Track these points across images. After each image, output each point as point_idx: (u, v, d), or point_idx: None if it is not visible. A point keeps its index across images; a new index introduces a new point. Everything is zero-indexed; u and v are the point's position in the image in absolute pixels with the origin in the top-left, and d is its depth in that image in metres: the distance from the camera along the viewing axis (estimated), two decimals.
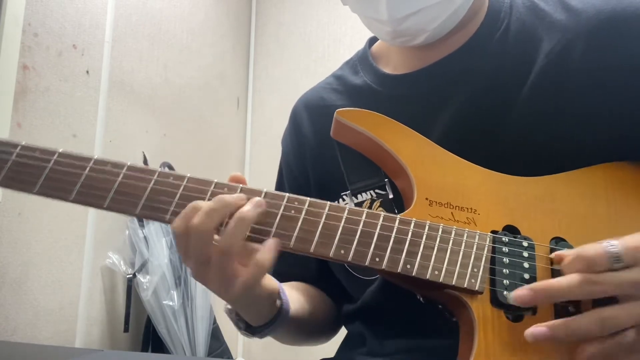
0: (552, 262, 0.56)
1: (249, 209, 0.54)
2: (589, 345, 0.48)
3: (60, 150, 0.58)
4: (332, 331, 0.85)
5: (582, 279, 0.48)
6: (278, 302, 0.64)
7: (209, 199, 0.56)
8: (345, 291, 0.78)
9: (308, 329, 0.79)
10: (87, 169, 0.57)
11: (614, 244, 0.48)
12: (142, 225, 1.92)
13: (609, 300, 0.48)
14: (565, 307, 0.52)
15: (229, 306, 0.65)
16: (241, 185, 0.58)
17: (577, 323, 0.48)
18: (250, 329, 0.65)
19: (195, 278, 0.56)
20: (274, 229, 0.55)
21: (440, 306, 0.60)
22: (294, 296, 0.72)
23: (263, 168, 2.83)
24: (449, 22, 0.69)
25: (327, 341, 0.86)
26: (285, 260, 0.77)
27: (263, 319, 0.64)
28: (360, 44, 0.85)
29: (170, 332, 1.88)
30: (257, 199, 0.55)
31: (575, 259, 0.49)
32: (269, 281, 0.62)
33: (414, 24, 0.68)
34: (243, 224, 0.53)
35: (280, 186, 0.86)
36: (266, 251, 0.54)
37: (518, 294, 0.50)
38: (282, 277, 0.78)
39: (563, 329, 0.48)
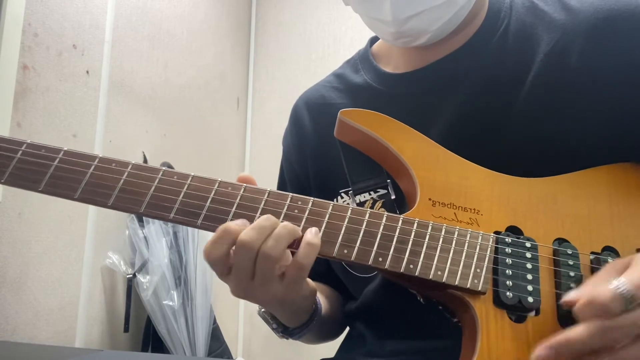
0: (555, 263, 0.56)
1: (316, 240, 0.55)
2: (598, 356, 0.47)
3: (66, 149, 0.58)
4: (342, 329, 0.86)
5: (599, 328, 0.46)
6: (317, 303, 0.65)
7: (213, 198, 0.56)
8: (347, 288, 0.79)
9: (329, 329, 0.80)
10: (92, 167, 0.57)
11: (623, 284, 0.45)
12: (142, 225, 1.92)
13: None
14: (568, 310, 0.52)
15: (263, 309, 0.66)
16: (245, 185, 0.58)
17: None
18: (287, 331, 0.66)
19: (238, 294, 0.57)
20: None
21: (440, 307, 0.60)
22: (320, 297, 0.72)
23: (263, 168, 2.83)
24: (451, 23, 0.69)
25: (337, 337, 0.87)
26: None
27: (300, 320, 0.65)
28: (360, 44, 0.85)
29: (170, 332, 1.88)
30: (314, 229, 0.56)
31: (588, 306, 0.46)
32: (309, 283, 0.62)
33: (417, 24, 0.68)
34: (289, 234, 0.54)
35: (282, 185, 0.86)
36: (306, 249, 0.55)
37: (539, 355, 0.47)
38: None
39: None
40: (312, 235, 0.54)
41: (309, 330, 0.66)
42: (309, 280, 0.62)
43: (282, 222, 0.55)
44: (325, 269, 0.80)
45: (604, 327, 0.45)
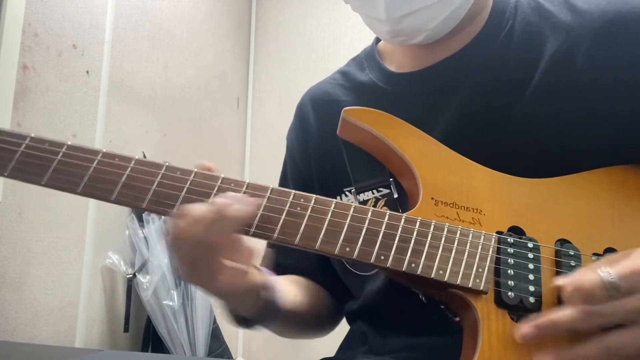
0: (557, 263, 0.56)
1: (238, 207, 0.53)
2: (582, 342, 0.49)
3: (69, 143, 0.58)
4: (330, 325, 0.86)
5: (584, 312, 0.48)
6: (269, 296, 0.64)
7: (215, 194, 0.56)
8: (345, 286, 0.79)
9: (305, 323, 0.79)
10: (95, 161, 0.57)
11: (610, 273, 0.47)
12: (142, 225, 1.92)
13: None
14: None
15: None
16: (247, 182, 0.58)
17: (585, 351, 0.48)
18: (242, 322, 0.66)
19: (180, 275, 0.57)
20: (279, 226, 0.55)
21: (442, 306, 0.60)
22: (292, 290, 0.72)
23: (263, 168, 2.83)
24: (448, 22, 0.69)
25: (325, 334, 0.87)
26: (287, 253, 0.77)
27: (253, 311, 0.64)
28: (360, 44, 0.85)
29: (170, 332, 1.87)
30: (248, 199, 0.55)
31: (574, 292, 0.48)
32: (257, 275, 0.61)
33: (411, 23, 0.68)
34: (232, 222, 0.53)
35: (283, 181, 0.86)
36: (247, 251, 0.55)
37: (523, 332, 0.50)
38: (283, 269, 0.79)
39: (570, 356, 0.48)
40: (238, 205, 0.54)
41: (261, 323, 0.65)
42: (258, 274, 0.62)
43: (233, 205, 0.54)
44: (318, 268, 0.80)
45: (587, 312, 0.47)
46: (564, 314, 0.49)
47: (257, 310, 0.64)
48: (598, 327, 0.48)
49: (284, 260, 0.81)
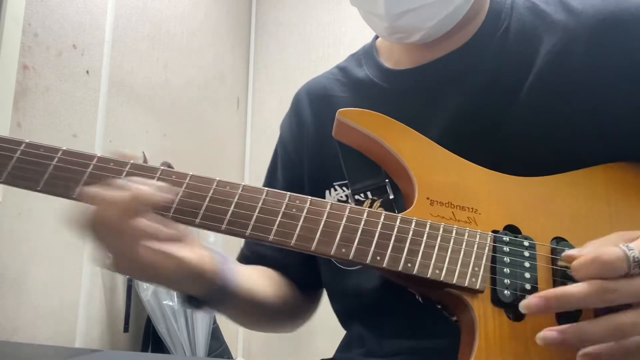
0: (553, 261, 0.56)
1: (151, 191, 0.54)
2: (593, 346, 0.47)
3: (64, 148, 0.58)
4: (297, 320, 0.86)
5: (598, 287, 0.45)
6: (218, 280, 0.63)
7: (211, 197, 0.57)
8: (318, 282, 0.79)
9: (264, 313, 0.78)
10: (91, 166, 0.57)
11: (632, 249, 0.45)
12: None
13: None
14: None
15: None
16: (243, 184, 0.58)
17: (592, 328, 0.46)
18: (193, 302, 0.65)
19: (108, 267, 0.56)
20: (275, 228, 0.56)
21: (439, 306, 0.60)
22: (252, 278, 0.72)
23: (263, 168, 2.81)
24: (446, 21, 0.69)
25: (291, 330, 0.87)
26: (268, 246, 0.77)
27: (199, 294, 0.64)
28: (360, 44, 0.85)
29: (170, 332, 1.88)
30: (160, 183, 0.55)
31: (592, 262, 0.46)
32: (200, 260, 0.60)
33: (410, 21, 0.68)
34: (144, 204, 0.53)
35: (273, 169, 0.87)
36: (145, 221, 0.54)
37: (529, 303, 0.47)
38: (262, 259, 0.80)
39: (576, 335, 0.46)
40: (148, 188, 0.54)
41: (208, 307, 0.65)
42: (206, 262, 0.61)
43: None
44: (299, 262, 0.80)
45: (601, 287, 0.45)
46: (575, 286, 0.46)
47: (205, 294, 0.63)
48: (608, 305, 0.46)
49: (261, 249, 0.81)
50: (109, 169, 0.58)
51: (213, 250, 0.64)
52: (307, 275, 0.81)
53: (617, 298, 0.45)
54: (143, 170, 0.58)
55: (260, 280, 0.75)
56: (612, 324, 0.46)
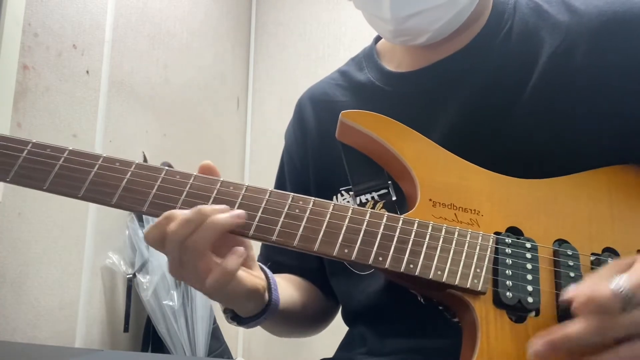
0: (555, 263, 0.56)
1: (225, 216, 0.54)
2: (597, 355, 0.47)
3: (71, 148, 0.59)
4: (322, 324, 0.86)
5: (596, 327, 0.46)
6: (266, 297, 0.64)
7: (215, 197, 0.57)
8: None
9: (297, 322, 0.79)
10: (96, 166, 0.58)
11: (623, 283, 0.46)
12: (142, 225, 1.92)
13: None
14: (568, 308, 0.52)
15: None
16: (246, 185, 0.58)
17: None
18: (236, 319, 0.66)
19: (172, 274, 0.58)
20: (278, 228, 0.56)
21: (440, 307, 0.60)
22: (287, 290, 0.73)
23: (263, 168, 2.83)
24: (451, 23, 0.69)
25: (316, 334, 0.87)
26: (287, 252, 0.78)
27: (248, 312, 0.64)
28: (360, 44, 0.85)
29: (170, 332, 1.87)
30: (238, 211, 0.56)
31: (587, 303, 0.46)
32: (252, 280, 0.61)
33: (416, 24, 0.68)
34: (214, 228, 0.54)
35: (281, 179, 0.87)
36: (234, 257, 0.55)
37: (537, 350, 0.47)
38: (282, 267, 0.80)
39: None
40: (226, 215, 0.55)
41: (259, 323, 0.65)
42: (256, 276, 0.62)
43: (219, 214, 0.55)
44: (316, 268, 0.80)
45: (602, 325, 0.46)
46: (578, 327, 0.47)
47: (254, 312, 0.64)
48: (611, 340, 0.46)
49: (280, 257, 0.81)
50: (114, 169, 0.58)
51: (263, 267, 0.65)
52: (326, 279, 0.81)
53: (618, 334, 0.46)
54: (147, 170, 0.58)
55: (289, 289, 0.75)
56: (616, 357, 0.46)
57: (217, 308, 2.23)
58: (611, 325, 0.46)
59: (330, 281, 0.80)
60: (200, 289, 0.57)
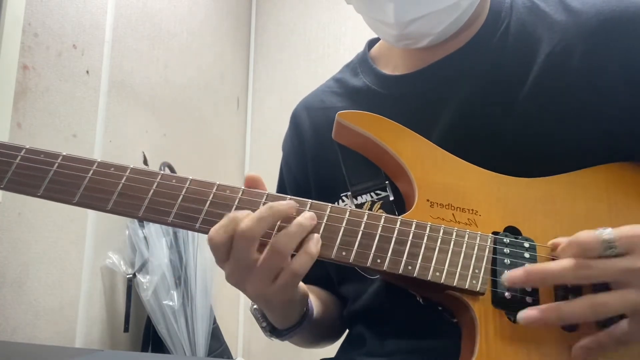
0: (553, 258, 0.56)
1: (308, 221, 0.55)
2: (583, 339, 0.50)
3: (65, 154, 0.59)
4: (340, 333, 0.86)
5: (574, 263, 0.48)
6: (305, 308, 0.65)
7: (211, 202, 0.57)
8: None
9: (322, 333, 0.80)
10: (91, 172, 0.58)
11: (608, 231, 0.49)
12: (142, 225, 1.92)
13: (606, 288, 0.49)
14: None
15: (256, 306, 0.66)
16: (242, 188, 0.58)
17: (569, 307, 0.49)
18: (275, 332, 0.66)
19: (230, 281, 0.57)
20: (275, 232, 0.56)
21: (440, 308, 0.60)
22: (314, 300, 0.72)
23: (263, 168, 2.82)
24: (453, 25, 0.69)
25: (334, 342, 0.87)
26: None
27: (289, 322, 0.65)
28: (360, 44, 0.85)
29: (170, 332, 1.88)
30: (310, 213, 0.56)
31: (569, 244, 0.50)
32: (302, 285, 0.62)
33: (419, 27, 0.68)
34: (303, 231, 0.54)
35: (281, 189, 0.86)
36: (304, 257, 0.54)
37: (511, 275, 0.51)
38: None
39: (555, 313, 0.49)
40: (313, 244, 0.54)
41: (296, 333, 0.66)
42: (301, 284, 0.62)
43: (302, 217, 0.55)
44: (324, 273, 0.80)
45: (577, 263, 0.48)
46: (554, 263, 0.50)
47: (296, 321, 0.65)
48: (585, 281, 0.49)
49: None
50: (109, 174, 0.58)
51: None
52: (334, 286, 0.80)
53: (593, 275, 0.48)
54: (143, 175, 0.58)
55: (316, 301, 0.75)
56: (589, 301, 0.48)
57: (217, 308, 2.24)
58: (587, 264, 0.48)
59: (339, 289, 0.79)
60: (262, 291, 0.56)
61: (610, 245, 0.48)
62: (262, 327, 0.67)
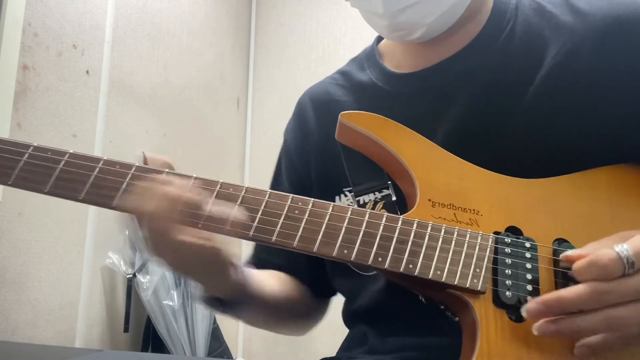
0: (555, 263, 0.56)
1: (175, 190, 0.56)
2: (589, 337, 0.49)
3: (71, 151, 0.60)
4: (309, 322, 0.87)
5: (593, 290, 0.47)
6: (239, 278, 0.65)
7: (214, 200, 0.57)
8: (329, 286, 0.80)
9: (279, 314, 0.80)
10: (97, 169, 0.58)
11: (626, 249, 0.47)
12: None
13: None
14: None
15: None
16: (246, 186, 0.58)
17: (586, 321, 0.48)
18: (209, 302, 0.67)
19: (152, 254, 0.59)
20: (277, 229, 0.56)
21: (442, 306, 0.60)
22: (267, 280, 0.74)
23: (263, 168, 2.83)
24: (446, 17, 0.69)
25: (303, 332, 0.88)
26: (272, 250, 0.78)
27: (224, 292, 0.65)
28: (360, 44, 0.85)
29: (170, 332, 1.88)
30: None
31: (589, 266, 0.48)
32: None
33: (409, 17, 0.68)
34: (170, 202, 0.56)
35: (277, 178, 0.87)
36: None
37: (531, 308, 0.50)
38: (267, 264, 0.81)
39: (571, 327, 0.48)
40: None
41: (236, 308, 0.66)
42: (245, 268, 0.63)
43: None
44: (304, 267, 0.81)
45: (600, 289, 0.47)
46: (573, 290, 0.48)
47: (229, 291, 0.65)
48: (605, 305, 0.47)
49: (267, 256, 0.82)
50: (115, 172, 0.58)
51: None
52: (317, 281, 0.81)
53: (613, 299, 0.47)
54: (148, 172, 0.59)
55: (270, 280, 0.76)
56: (605, 317, 0.47)
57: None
58: (610, 289, 0.47)
59: (333, 283, 0.80)
60: (176, 258, 0.58)
61: (631, 265, 0.47)
62: (203, 302, 0.68)
